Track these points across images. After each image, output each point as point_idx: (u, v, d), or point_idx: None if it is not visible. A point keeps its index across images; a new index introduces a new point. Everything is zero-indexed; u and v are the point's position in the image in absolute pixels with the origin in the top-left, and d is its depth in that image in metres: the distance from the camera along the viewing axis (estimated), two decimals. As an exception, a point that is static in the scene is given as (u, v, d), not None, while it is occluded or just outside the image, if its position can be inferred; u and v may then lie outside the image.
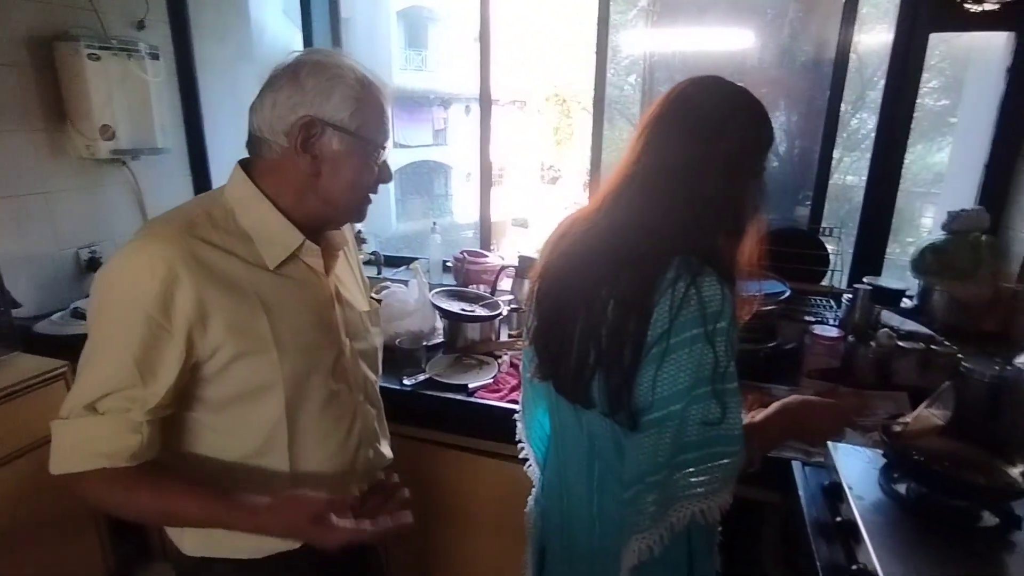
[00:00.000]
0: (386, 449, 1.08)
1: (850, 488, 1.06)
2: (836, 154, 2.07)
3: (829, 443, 1.21)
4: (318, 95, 0.82)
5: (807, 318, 1.82)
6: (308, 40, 2.32)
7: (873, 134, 1.94)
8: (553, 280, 0.93)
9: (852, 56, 1.94)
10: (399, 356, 1.59)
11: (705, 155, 0.84)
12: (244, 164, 0.90)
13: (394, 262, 2.37)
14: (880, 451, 1.15)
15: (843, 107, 2.02)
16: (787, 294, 1.67)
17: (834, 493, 1.11)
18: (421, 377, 1.57)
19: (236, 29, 2.59)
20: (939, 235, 1.77)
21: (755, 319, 1.60)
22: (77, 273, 2.09)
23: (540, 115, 12.70)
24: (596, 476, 0.93)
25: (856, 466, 1.14)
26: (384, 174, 0.92)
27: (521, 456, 1.14)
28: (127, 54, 2.01)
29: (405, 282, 1.97)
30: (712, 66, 2.34)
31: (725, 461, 0.81)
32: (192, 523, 0.86)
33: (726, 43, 2.30)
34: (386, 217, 11.78)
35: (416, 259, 2.30)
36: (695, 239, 0.82)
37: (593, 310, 0.84)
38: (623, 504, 0.86)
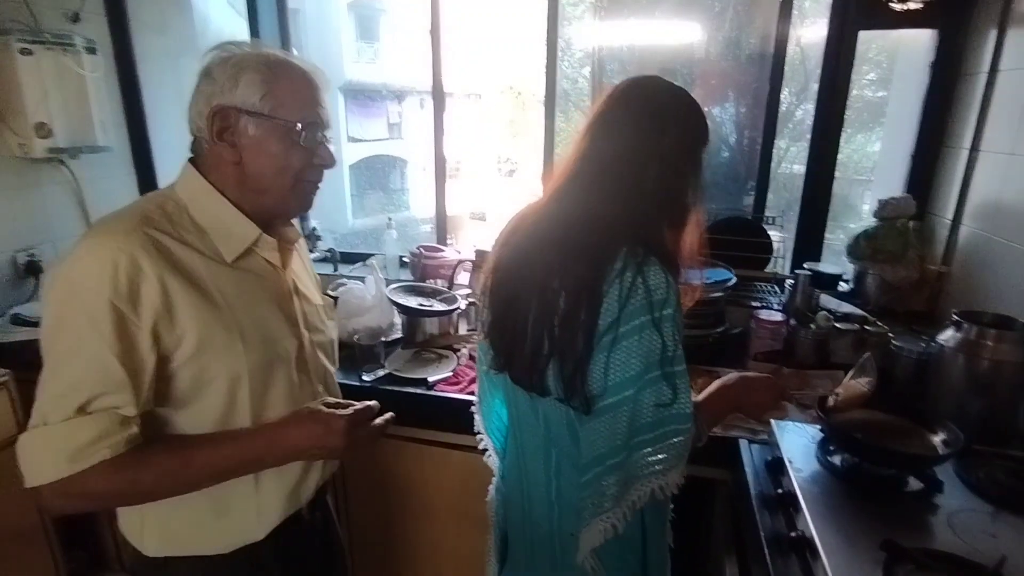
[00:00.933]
0: None
1: (791, 462, 1.13)
2: (783, 144, 2.16)
3: (773, 421, 1.29)
4: (226, 84, 0.83)
5: (752, 303, 1.91)
6: (255, 31, 2.27)
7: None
8: (505, 273, 0.96)
9: (796, 49, 2.02)
10: (358, 352, 1.60)
11: (647, 150, 0.88)
12: (193, 162, 0.90)
13: (350, 259, 2.35)
14: (819, 427, 1.23)
15: (788, 98, 2.10)
16: (732, 281, 1.74)
17: (777, 467, 1.18)
18: (380, 373, 1.58)
19: (178, 21, 2.50)
20: (871, 222, 1.88)
21: (704, 305, 1.69)
22: (15, 278, 2.01)
23: (495, 108, 12.69)
24: (553, 462, 0.97)
25: (797, 442, 1.21)
26: (324, 157, 0.90)
27: (480, 447, 1.17)
28: (62, 48, 1.93)
29: (362, 279, 1.97)
30: (662, 58, 2.40)
31: (679, 439, 0.85)
32: (213, 475, 0.85)
33: (675, 36, 2.36)
34: (342, 213, 11.62)
35: (372, 255, 2.30)
36: (640, 230, 0.86)
37: (545, 300, 0.88)
38: (580, 488, 0.89)
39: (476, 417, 1.16)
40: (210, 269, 0.85)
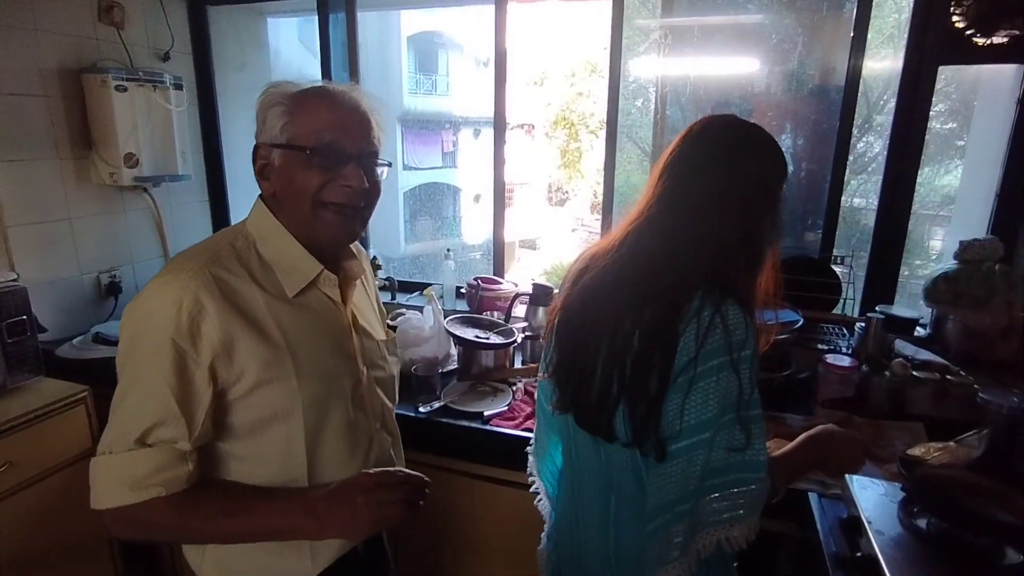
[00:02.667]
0: None
1: (869, 522, 1.05)
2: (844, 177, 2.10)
3: (846, 475, 1.21)
4: (262, 123, 0.87)
5: (820, 346, 1.83)
6: (326, 66, 2.38)
7: (880, 157, 1.95)
8: (574, 313, 0.95)
9: (845, 82, 1.96)
10: (414, 383, 1.61)
11: (727, 190, 0.87)
12: (265, 197, 0.93)
13: (408, 287, 2.39)
14: (898, 484, 1.15)
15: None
16: (800, 323, 1.68)
17: (853, 527, 1.10)
18: (436, 404, 1.58)
19: (255, 58, 2.66)
20: (951, 263, 1.78)
21: (769, 348, 1.62)
22: (98, 297, 2.13)
23: (548, 138, 12.82)
24: (612, 510, 0.94)
25: (875, 500, 1.13)
26: (348, 177, 0.87)
27: (532, 490, 1.15)
28: (152, 85, 2.07)
29: (419, 308, 2.00)
30: (720, 91, 2.37)
31: (751, 488, 0.82)
32: (246, 536, 0.87)
33: (733, 68, 2.34)
34: (395, 239, 11.90)
35: (430, 285, 2.33)
36: (718, 270, 0.85)
37: (616, 341, 0.86)
38: (644, 537, 0.86)
39: (530, 459, 1.14)
40: (271, 305, 0.87)
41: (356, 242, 1.09)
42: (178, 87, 2.16)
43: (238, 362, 0.82)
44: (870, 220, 2.11)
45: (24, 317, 1.59)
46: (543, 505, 1.13)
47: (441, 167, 12.89)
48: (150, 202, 2.26)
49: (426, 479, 0.91)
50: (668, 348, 0.81)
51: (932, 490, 1.04)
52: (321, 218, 0.89)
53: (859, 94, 1.92)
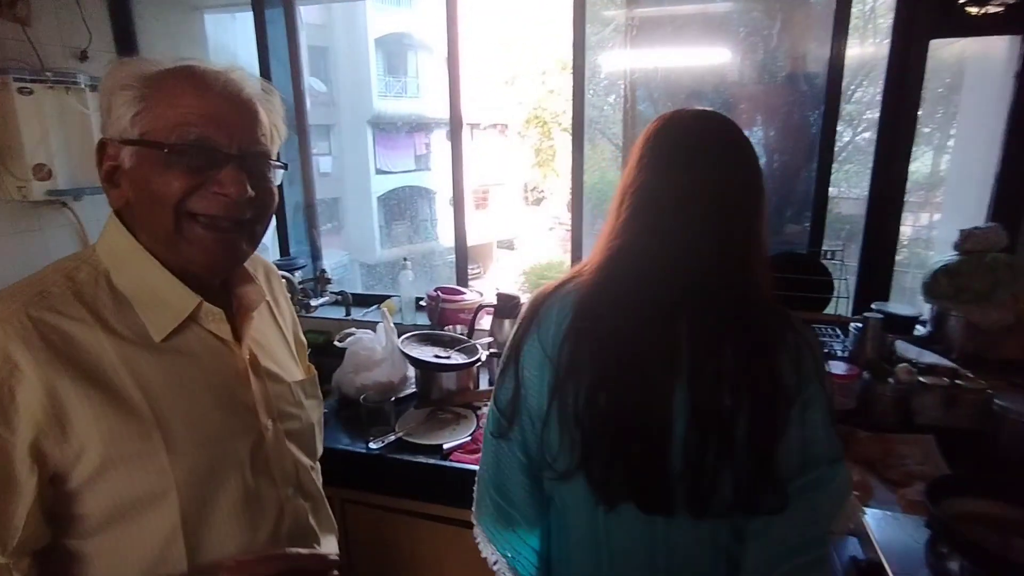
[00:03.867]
0: (330, 546, 0.89)
1: (894, 572, 0.89)
2: (816, 167, 1.99)
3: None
4: (106, 111, 0.67)
5: (814, 350, 1.67)
6: (264, 67, 2.17)
7: (850, 146, 1.85)
8: (605, 372, 0.75)
9: (827, 69, 1.85)
10: (364, 414, 1.42)
11: (751, 185, 0.79)
12: (120, 213, 0.73)
13: (364, 301, 2.19)
14: (919, 517, 0.99)
15: (818, 120, 1.95)
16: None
17: (874, 573, 0.94)
18: (390, 438, 1.39)
19: (189, 54, 2.43)
20: (950, 255, 1.64)
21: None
22: (12, 327, 1.89)
23: (521, 137, 12.69)
24: None
25: (894, 538, 0.97)
26: (223, 183, 0.67)
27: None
28: (64, 87, 1.85)
29: (375, 325, 1.80)
30: (692, 82, 2.25)
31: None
32: None
33: (703, 59, 2.24)
34: (370, 243, 11.67)
35: (388, 297, 2.14)
36: (758, 285, 0.76)
37: (699, 397, 0.72)
38: None
39: (486, 544, 0.88)
40: (126, 355, 0.67)
41: (261, 258, 0.89)
42: (95, 89, 1.93)
43: (76, 436, 0.62)
44: (844, 209, 2.01)
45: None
46: None
47: (415, 170, 12.69)
48: (72, 218, 2.03)
49: (331, 559, 0.70)
50: (773, 386, 0.72)
51: (963, 528, 0.88)
52: (189, 234, 0.69)
53: (829, 82, 1.80)
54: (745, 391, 0.71)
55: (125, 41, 2.17)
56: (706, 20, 2.23)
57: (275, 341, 0.86)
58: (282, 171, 0.76)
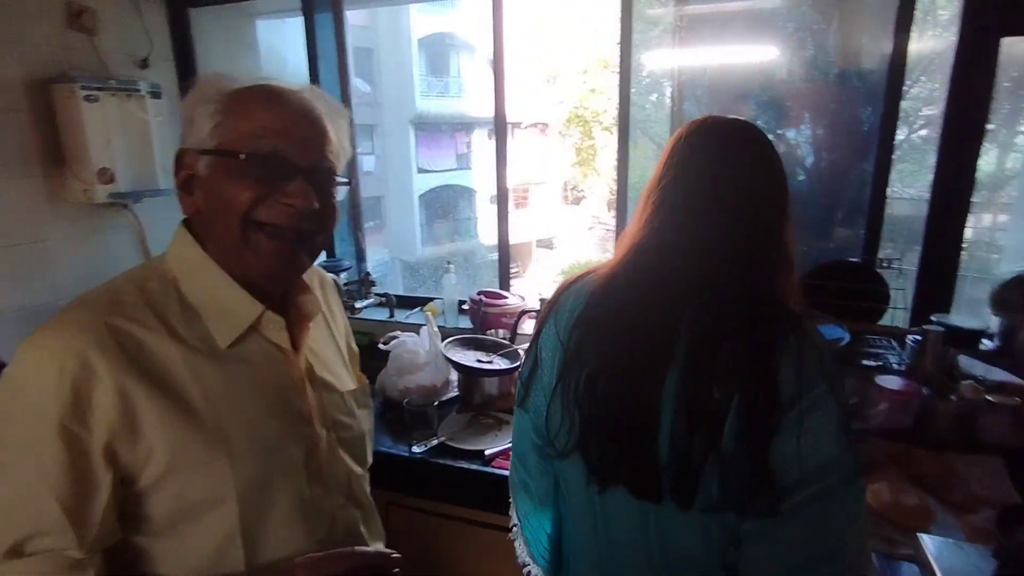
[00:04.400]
0: None
1: (958, 606, 0.85)
2: (867, 167, 1.92)
3: (920, 535, 1.00)
4: (188, 124, 0.70)
5: (867, 363, 1.61)
6: (314, 70, 2.22)
7: (904, 145, 1.79)
8: (608, 361, 0.78)
9: (886, 65, 1.77)
10: (408, 417, 1.43)
11: (774, 193, 0.80)
12: (189, 223, 0.75)
13: (407, 303, 2.21)
14: (985, 547, 0.94)
15: (872, 118, 1.88)
16: (846, 340, 1.46)
17: (934, 605, 0.90)
18: (433, 442, 1.40)
19: (244, 63, 2.51)
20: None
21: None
22: (76, 323, 1.99)
23: (562, 137, 12.64)
24: None
25: (958, 567, 0.92)
26: (291, 195, 0.69)
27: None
28: (126, 94, 1.93)
29: (419, 327, 1.82)
30: (738, 81, 2.19)
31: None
32: None
33: (750, 57, 2.18)
34: (411, 242, 11.84)
35: (431, 300, 2.16)
36: (771, 287, 0.76)
37: (690, 387, 0.72)
38: None
39: (518, 543, 0.94)
40: (192, 364, 0.69)
41: (318, 269, 0.91)
42: (155, 95, 2.01)
43: (146, 439, 0.65)
44: (898, 210, 1.94)
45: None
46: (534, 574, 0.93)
47: (456, 169, 12.80)
48: (132, 219, 2.12)
49: (393, 557, 0.72)
50: (767, 387, 0.69)
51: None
52: (253, 243, 0.71)
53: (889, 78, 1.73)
54: (736, 388, 0.70)
55: (183, 49, 2.25)
56: (754, 16, 2.18)
57: (330, 351, 0.87)
58: (346, 187, 0.77)
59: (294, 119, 0.71)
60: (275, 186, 0.70)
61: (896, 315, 1.74)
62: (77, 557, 0.63)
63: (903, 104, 1.80)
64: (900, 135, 1.90)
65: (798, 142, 2.33)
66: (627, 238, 0.82)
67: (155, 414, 0.65)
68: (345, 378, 0.88)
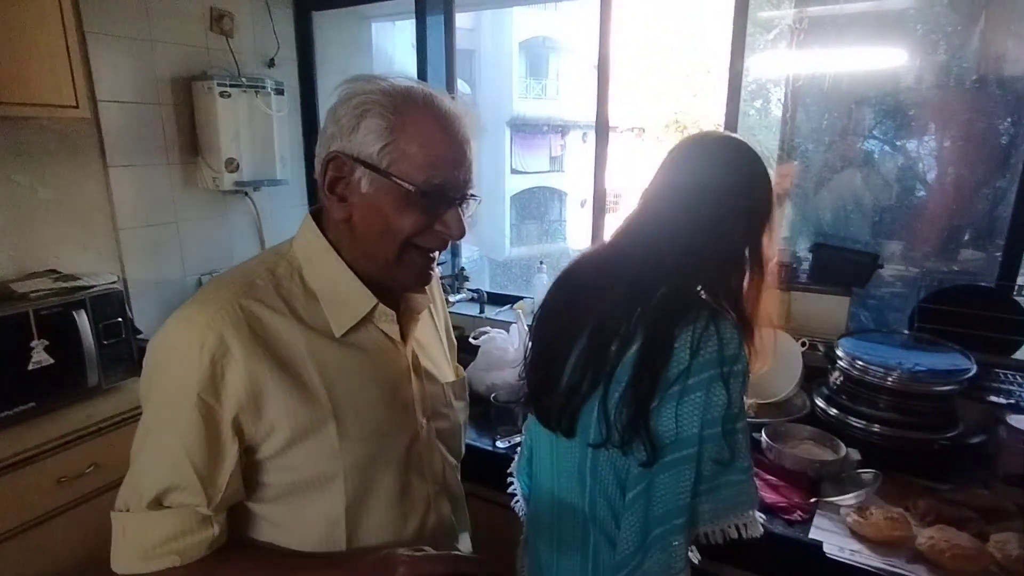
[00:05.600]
0: (465, 543, 0.93)
1: None
2: (1005, 184, 1.75)
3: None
4: (345, 126, 0.70)
5: (997, 399, 1.45)
6: (422, 72, 2.30)
7: None
8: (554, 309, 0.97)
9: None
10: (493, 413, 1.45)
11: (734, 205, 0.87)
12: (317, 213, 0.79)
13: (499, 300, 2.25)
14: None
15: (1011, 129, 1.70)
16: (972, 372, 1.33)
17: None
18: (516, 438, 1.42)
19: (359, 63, 2.65)
20: None
21: (925, 400, 1.30)
22: (199, 299, 2.19)
23: (659, 142, 12.35)
24: (588, 508, 0.90)
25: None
26: (450, 225, 0.73)
27: (510, 491, 1.14)
28: (255, 91, 2.09)
29: (508, 325, 1.84)
30: (859, 87, 2.05)
31: (739, 488, 0.84)
32: None
33: (873, 63, 2.02)
34: (500, 241, 11.99)
35: (521, 298, 2.18)
36: (717, 283, 0.88)
37: (599, 337, 0.87)
38: (644, 548, 0.83)
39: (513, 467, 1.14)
40: (312, 346, 0.73)
41: None
42: (279, 92, 2.17)
43: (267, 416, 0.69)
44: None
45: (120, 319, 1.62)
46: (519, 507, 1.12)
47: (548, 171, 12.82)
48: (251, 206, 2.30)
49: (493, 565, 0.72)
50: (662, 353, 0.81)
51: None
52: (407, 262, 0.74)
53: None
54: (633, 344, 0.83)
55: (305, 49, 2.41)
56: (879, 18, 2.03)
57: (433, 342, 0.90)
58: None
59: (458, 145, 0.72)
60: (436, 214, 0.72)
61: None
62: (206, 514, 0.69)
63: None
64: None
65: (920, 154, 2.15)
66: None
67: (279, 392, 0.69)
68: (446, 370, 0.91)
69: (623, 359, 0.83)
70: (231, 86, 2.02)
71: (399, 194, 0.70)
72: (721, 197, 0.87)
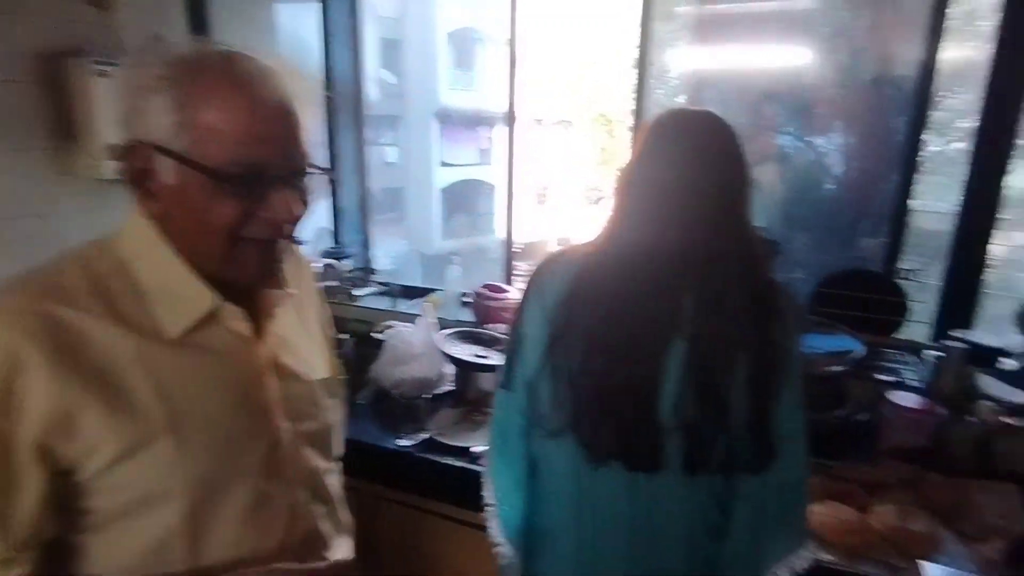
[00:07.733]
0: (342, 550, 0.83)
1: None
2: (896, 177, 1.85)
3: (922, 563, 0.94)
4: (134, 111, 0.61)
5: (881, 377, 1.53)
6: (328, 58, 2.19)
7: (938, 156, 1.73)
8: (603, 335, 0.81)
9: (917, 73, 1.70)
10: (397, 409, 1.40)
11: (746, 180, 0.85)
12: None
13: (412, 293, 2.18)
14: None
15: (904, 127, 1.81)
16: (860, 353, 1.39)
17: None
18: (421, 436, 1.36)
19: (262, 45, 2.48)
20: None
21: (821, 381, 1.35)
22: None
23: (585, 135, 12.54)
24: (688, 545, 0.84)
25: (963, 602, 0.86)
26: (276, 208, 0.63)
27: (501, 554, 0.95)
28: (138, 71, 1.91)
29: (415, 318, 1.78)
30: (766, 84, 2.12)
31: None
32: None
33: (780, 60, 2.11)
34: (430, 234, 11.84)
35: (435, 290, 2.12)
36: (755, 260, 0.84)
37: (697, 358, 0.79)
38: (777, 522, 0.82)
39: (491, 524, 0.95)
40: (142, 352, 0.63)
41: (294, 250, 0.86)
42: (170, 73, 2.00)
43: (83, 434, 0.60)
44: (928, 224, 1.87)
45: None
46: (503, 551, 0.94)
47: (478, 164, 12.76)
48: (140, 197, 2.11)
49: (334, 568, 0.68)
50: (770, 354, 0.78)
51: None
52: (241, 257, 0.65)
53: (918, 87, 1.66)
54: (742, 356, 0.77)
55: (199, 28, 2.23)
56: (786, 18, 2.11)
57: (302, 338, 0.82)
58: (323, 175, 0.71)
59: (270, 114, 0.62)
60: (258, 199, 0.63)
61: (916, 330, 1.67)
62: (5, 557, 0.59)
63: (938, 115, 1.74)
64: (935, 147, 1.85)
65: (827, 150, 2.25)
66: (609, 224, 0.86)
67: (96, 407, 0.60)
68: (318, 366, 0.83)
69: (735, 371, 0.78)
70: (110, 64, 1.84)
71: (205, 183, 0.60)
72: (730, 183, 0.84)
